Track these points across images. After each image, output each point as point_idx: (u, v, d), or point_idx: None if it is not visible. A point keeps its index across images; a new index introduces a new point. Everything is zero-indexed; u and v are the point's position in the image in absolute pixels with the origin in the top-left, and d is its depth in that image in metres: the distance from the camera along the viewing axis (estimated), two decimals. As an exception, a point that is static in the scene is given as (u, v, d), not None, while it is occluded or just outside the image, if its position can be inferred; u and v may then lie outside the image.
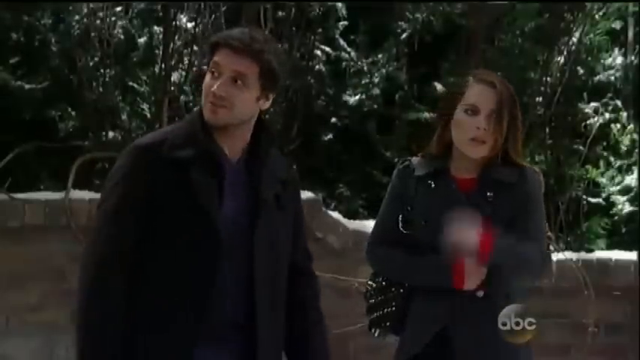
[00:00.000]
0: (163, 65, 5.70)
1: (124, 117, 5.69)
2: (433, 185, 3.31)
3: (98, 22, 5.69)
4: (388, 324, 3.39)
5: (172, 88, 5.67)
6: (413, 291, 3.33)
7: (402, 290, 3.36)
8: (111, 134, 5.63)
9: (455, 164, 3.33)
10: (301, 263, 3.04)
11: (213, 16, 5.76)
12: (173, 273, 2.81)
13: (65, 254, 5.04)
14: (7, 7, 5.72)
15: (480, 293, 3.28)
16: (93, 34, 5.68)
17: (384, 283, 3.39)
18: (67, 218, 5.01)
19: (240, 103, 2.86)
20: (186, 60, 5.85)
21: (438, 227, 3.24)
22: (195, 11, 5.80)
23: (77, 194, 5.09)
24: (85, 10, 5.69)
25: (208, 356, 2.82)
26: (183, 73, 5.82)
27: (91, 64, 5.67)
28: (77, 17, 5.71)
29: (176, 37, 5.73)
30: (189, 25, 5.75)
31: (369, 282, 3.44)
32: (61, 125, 5.68)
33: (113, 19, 5.74)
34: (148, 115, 5.71)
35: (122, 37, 5.80)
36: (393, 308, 3.37)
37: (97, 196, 5.06)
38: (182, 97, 5.80)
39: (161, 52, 5.75)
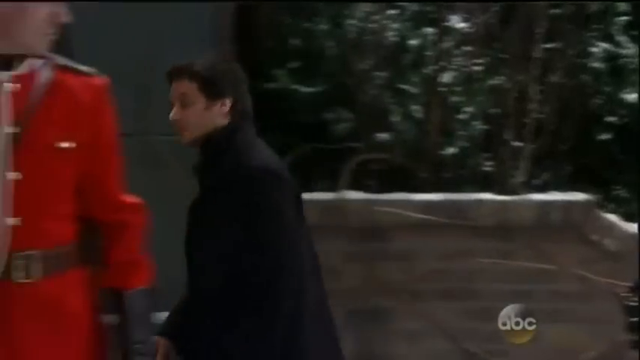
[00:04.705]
0: (434, 66, 5.72)
1: (395, 119, 5.75)
2: None
3: (372, 25, 5.77)
4: None
5: (443, 89, 5.68)
6: None
7: None
8: (382, 136, 5.70)
9: None
10: None
11: (487, 15, 5.74)
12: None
13: (339, 254, 5.14)
14: (286, 14, 5.91)
15: None
16: (367, 37, 5.77)
17: None
18: (340, 218, 5.10)
19: (192, 119, 3.05)
20: (458, 60, 5.85)
21: None
22: (468, 11, 5.79)
23: (350, 195, 5.18)
24: (361, 14, 5.79)
25: None
26: (455, 74, 5.82)
27: (365, 67, 5.76)
28: (352, 22, 5.82)
29: (447, 38, 5.73)
30: (461, 25, 5.74)
31: None
32: (335, 127, 5.79)
33: (387, 22, 5.81)
34: (419, 117, 5.74)
35: (395, 39, 5.86)
36: None
37: (370, 196, 5.24)
38: (453, 98, 5.80)
39: (432, 54, 5.77)
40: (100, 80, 2.80)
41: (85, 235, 2.78)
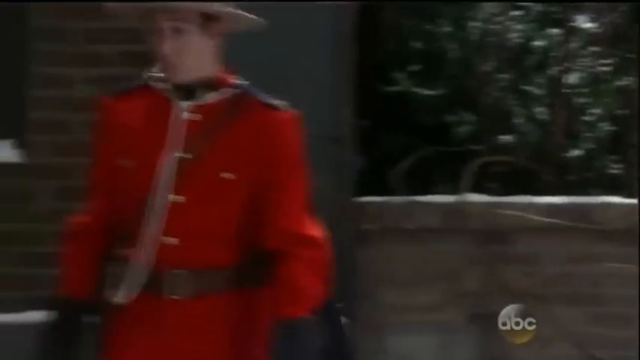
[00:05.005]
0: (559, 68, 5.64)
1: (518, 121, 5.69)
2: None
3: (495, 26, 5.72)
4: None
5: (568, 90, 5.59)
6: None
7: None
8: (505, 138, 5.64)
9: None
10: None
11: (615, 15, 5.64)
12: None
13: (461, 256, 5.11)
14: (408, 16, 5.89)
15: None
16: (490, 39, 5.72)
17: None
18: (462, 221, 5.06)
19: None
20: (584, 61, 5.76)
21: None
22: (595, 11, 5.69)
23: (472, 197, 5.14)
24: (484, 16, 5.74)
25: None
26: (581, 75, 5.73)
27: (487, 69, 5.71)
28: (475, 24, 5.77)
29: (573, 38, 5.64)
30: (588, 25, 5.65)
31: None
32: (457, 130, 5.75)
33: (510, 23, 5.75)
34: (543, 118, 5.67)
35: (519, 40, 5.80)
36: None
37: (492, 199, 5.18)
38: (579, 100, 5.71)
39: (558, 54, 5.69)
40: (288, 114, 2.77)
41: (251, 260, 2.77)
